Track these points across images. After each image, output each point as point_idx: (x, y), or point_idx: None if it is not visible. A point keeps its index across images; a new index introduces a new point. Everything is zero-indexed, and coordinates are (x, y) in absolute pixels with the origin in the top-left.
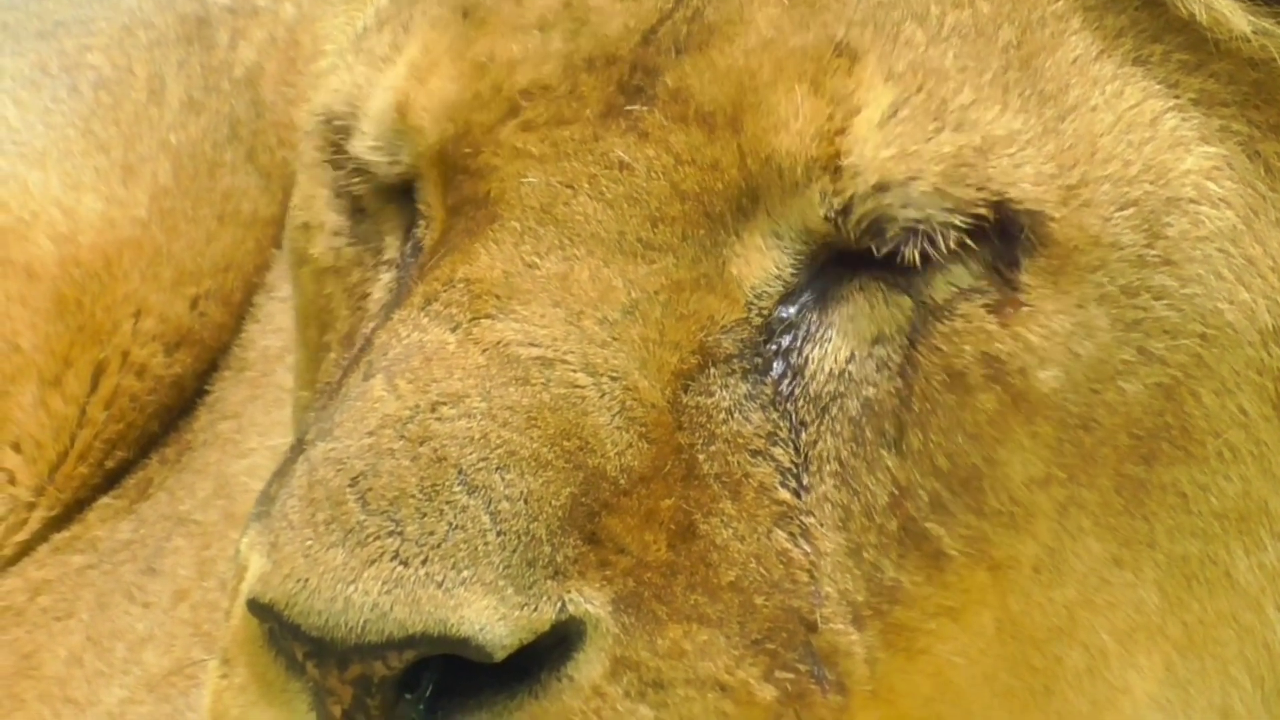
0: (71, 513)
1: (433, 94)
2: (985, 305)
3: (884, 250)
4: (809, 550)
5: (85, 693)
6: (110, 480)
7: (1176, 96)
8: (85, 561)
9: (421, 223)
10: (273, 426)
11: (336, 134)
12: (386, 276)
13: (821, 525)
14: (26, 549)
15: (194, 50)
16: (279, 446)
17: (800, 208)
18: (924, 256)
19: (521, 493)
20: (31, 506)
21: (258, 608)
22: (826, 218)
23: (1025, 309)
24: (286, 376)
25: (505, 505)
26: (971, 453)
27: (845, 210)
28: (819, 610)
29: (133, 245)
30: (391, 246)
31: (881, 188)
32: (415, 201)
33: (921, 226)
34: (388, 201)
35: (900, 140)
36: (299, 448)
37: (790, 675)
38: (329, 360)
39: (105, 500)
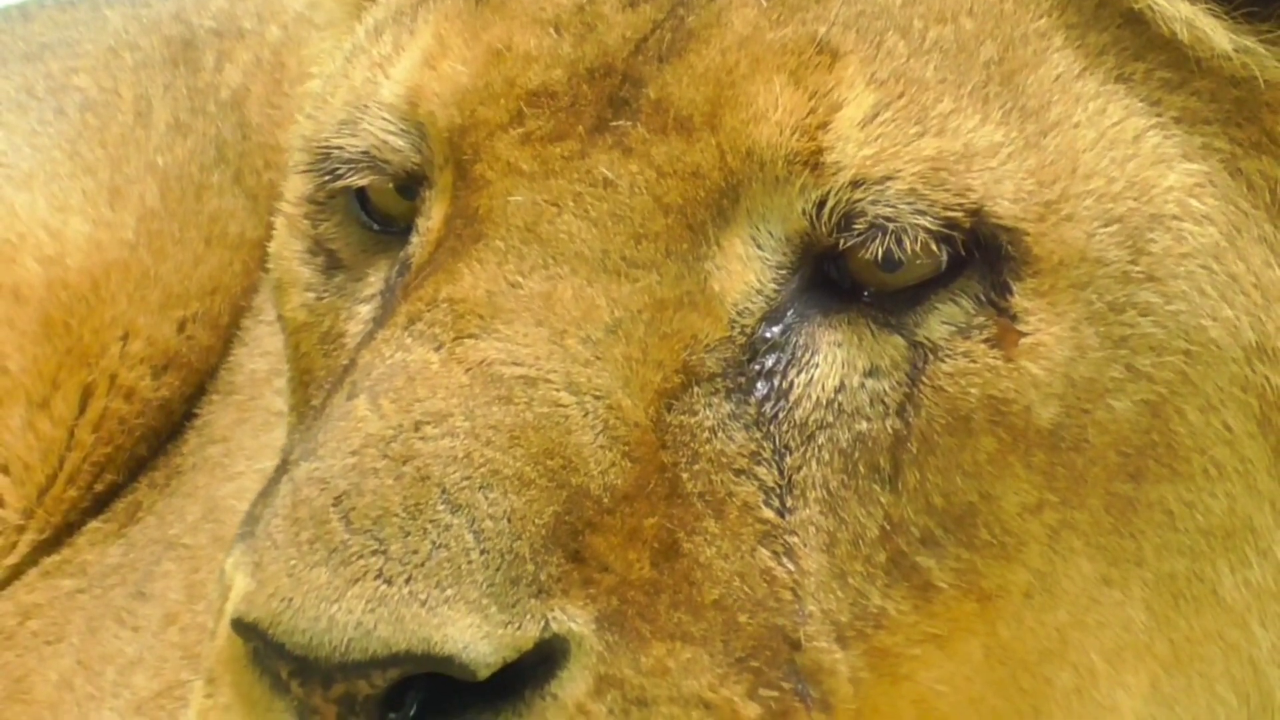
0: (61, 536)
1: (444, 79)
2: (986, 340)
3: (849, 244)
4: (793, 569)
5: (76, 716)
6: (99, 503)
7: (1159, 114)
8: (75, 585)
9: (415, 239)
10: (261, 450)
11: (329, 135)
12: (365, 309)
13: (805, 545)
14: (16, 572)
15: (180, 72)
16: (267, 469)
17: (780, 206)
18: (889, 258)
19: (505, 511)
20: (21, 530)
21: (242, 627)
22: (803, 212)
23: (1026, 339)
24: (274, 399)
25: (489, 524)
26: (968, 491)
27: (820, 204)
28: (803, 628)
29: (120, 267)
30: (375, 283)
31: (856, 184)
32: (416, 216)
33: (890, 225)
34: (374, 253)
35: (880, 141)
36: (283, 468)
37: (774, 693)
38: (311, 406)
39: (95, 524)
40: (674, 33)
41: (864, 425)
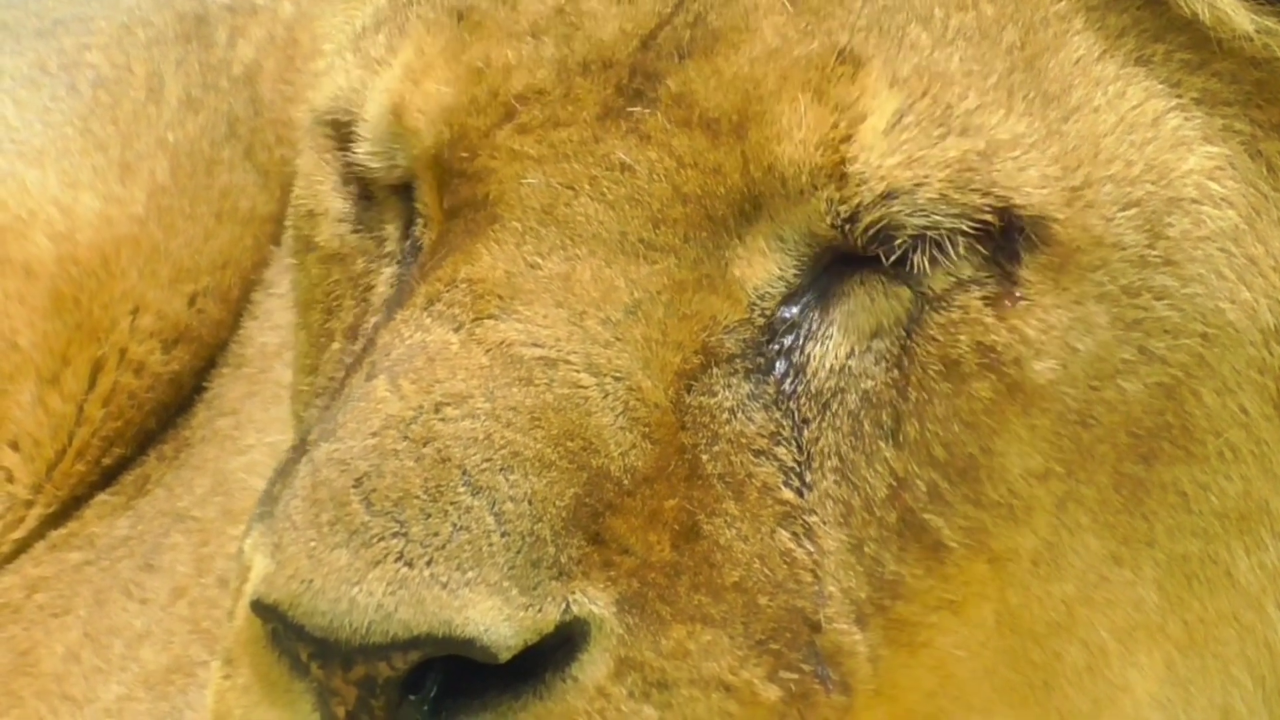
0: (69, 510)
1: (428, 97)
2: (983, 297)
3: (892, 258)
4: (812, 550)
5: (83, 689)
6: (108, 477)
7: (1179, 96)
8: (82, 558)
9: (420, 221)
10: (270, 423)
11: (338, 130)
12: (388, 271)
13: (824, 523)
14: (23, 546)
15: (192, 48)
16: (277, 443)
17: (805, 214)
18: (933, 262)
19: (526, 493)
20: (29, 504)
21: (262, 608)
22: (833, 225)
23: (1023, 303)
24: (284, 372)
25: (510, 506)
26: (968, 442)
27: (852, 218)
28: (823, 610)
29: (130, 243)
30: (392, 239)
31: (889, 195)
32: (414, 200)
33: (930, 233)
34: (391, 193)
35: (906, 147)
36: (301, 448)
37: (794, 675)
38: (332, 351)
39: (103, 497)
40: (694, 29)
41: (868, 384)
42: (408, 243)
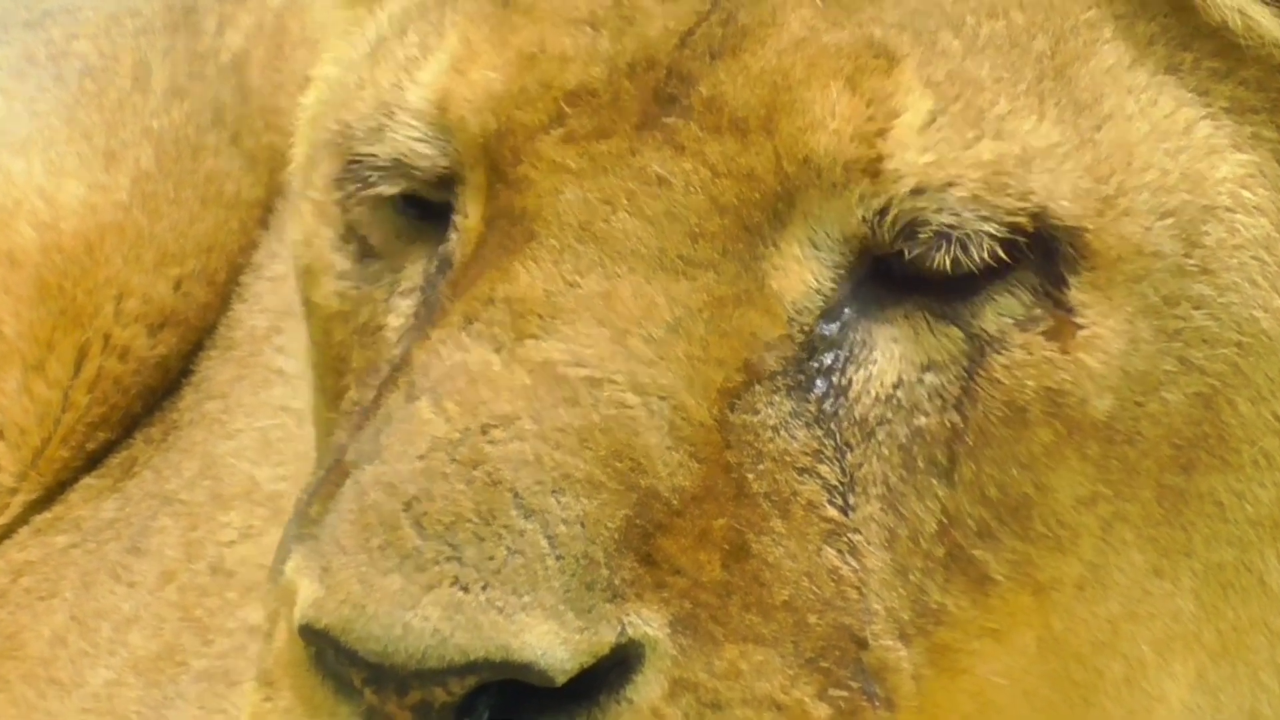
0: (53, 494)
1: (474, 85)
2: (1043, 332)
3: (914, 253)
4: (857, 567)
5: (70, 673)
6: (92, 461)
7: (1208, 104)
8: (68, 541)
9: (454, 235)
10: (259, 407)
11: (358, 143)
12: (405, 303)
13: (869, 543)
14: (7, 532)
15: (180, 37)
16: (266, 428)
17: (838, 211)
18: (956, 266)
19: (578, 515)
20: (14, 491)
21: (312, 633)
22: (864, 219)
23: (1083, 331)
24: (274, 356)
25: (562, 529)
26: (1023, 482)
27: (882, 211)
28: (869, 627)
29: (114, 229)
30: (413, 275)
31: (918, 192)
32: (452, 212)
33: (955, 233)
34: (410, 240)
35: (940, 147)
36: (340, 469)
37: (843, 693)
38: (348, 399)
39: (88, 480)
40: (725, 28)
41: (922, 420)
42: (434, 264)
